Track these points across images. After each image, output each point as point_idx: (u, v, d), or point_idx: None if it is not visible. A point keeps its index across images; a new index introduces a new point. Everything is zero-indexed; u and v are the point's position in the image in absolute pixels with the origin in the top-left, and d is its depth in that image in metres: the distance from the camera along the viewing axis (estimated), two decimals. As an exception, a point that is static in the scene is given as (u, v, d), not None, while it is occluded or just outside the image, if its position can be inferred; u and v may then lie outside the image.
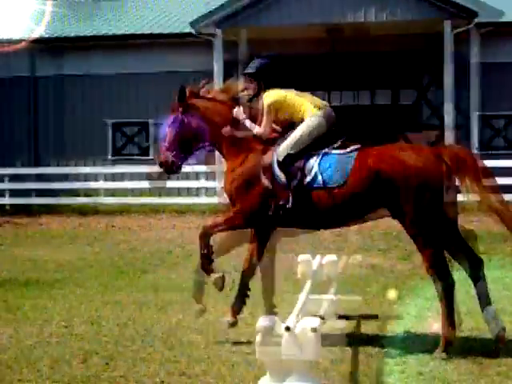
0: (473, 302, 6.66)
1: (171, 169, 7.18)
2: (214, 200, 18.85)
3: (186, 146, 7.13)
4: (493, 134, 21.94)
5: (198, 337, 7.06)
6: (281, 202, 6.63)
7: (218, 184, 19.36)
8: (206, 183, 19.64)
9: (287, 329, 4.88)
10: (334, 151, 6.68)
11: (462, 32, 20.50)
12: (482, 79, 21.06)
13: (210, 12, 21.27)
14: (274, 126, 7.01)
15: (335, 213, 6.57)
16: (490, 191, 6.37)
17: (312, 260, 7.72)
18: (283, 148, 6.73)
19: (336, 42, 21.79)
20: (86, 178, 21.58)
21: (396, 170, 6.34)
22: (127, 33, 23.08)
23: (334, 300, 7.73)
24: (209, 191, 19.78)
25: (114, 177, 21.13)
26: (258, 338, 4.95)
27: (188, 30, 22.18)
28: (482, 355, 6.18)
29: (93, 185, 20.61)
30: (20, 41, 22.40)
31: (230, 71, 21.24)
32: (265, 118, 6.91)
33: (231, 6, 21.10)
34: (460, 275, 6.61)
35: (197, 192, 19.99)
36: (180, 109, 7.10)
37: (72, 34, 23.57)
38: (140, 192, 20.18)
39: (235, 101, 7.16)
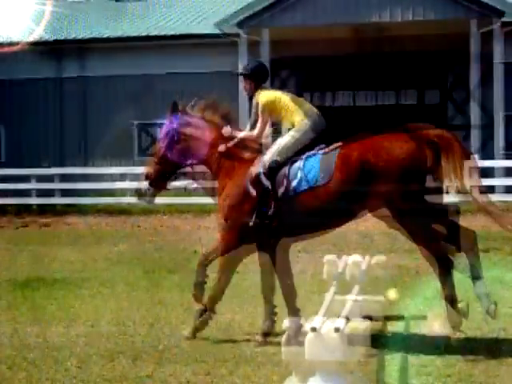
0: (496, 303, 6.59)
1: (157, 184, 7.29)
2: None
3: (174, 161, 7.24)
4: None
5: (223, 337, 7.08)
6: (264, 210, 6.69)
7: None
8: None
9: (313, 329, 4.87)
10: (317, 152, 6.74)
11: (486, 31, 20.35)
12: (506, 79, 20.86)
13: (235, 12, 21.28)
14: (266, 128, 7.10)
15: (325, 213, 6.58)
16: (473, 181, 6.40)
17: (338, 260, 7.71)
18: (269, 155, 6.80)
19: (361, 43, 21.74)
20: (112, 178, 21.70)
21: (379, 157, 6.40)
22: (151, 34, 23.13)
23: (358, 300, 7.71)
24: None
25: (139, 177, 21.18)
26: (284, 338, 4.95)
27: (208, 31, 22.28)
28: (510, 357, 6.14)
29: (118, 185, 20.69)
30: (45, 42, 22.59)
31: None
32: (259, 117, 7.00)
33: (255, 6, 21.09)
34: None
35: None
36: (172, 124, 7.20)
37: (97, 35, 23.71)
38: (165, 192, 20.17)
39: (224, 119, 7.27)
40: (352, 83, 23.55)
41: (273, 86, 20.88)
